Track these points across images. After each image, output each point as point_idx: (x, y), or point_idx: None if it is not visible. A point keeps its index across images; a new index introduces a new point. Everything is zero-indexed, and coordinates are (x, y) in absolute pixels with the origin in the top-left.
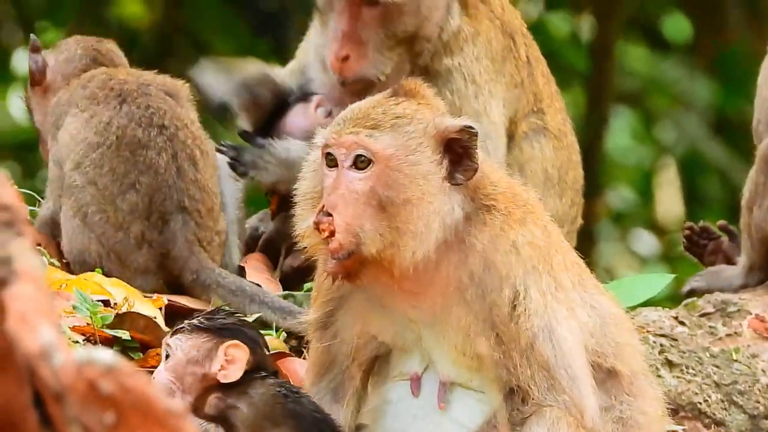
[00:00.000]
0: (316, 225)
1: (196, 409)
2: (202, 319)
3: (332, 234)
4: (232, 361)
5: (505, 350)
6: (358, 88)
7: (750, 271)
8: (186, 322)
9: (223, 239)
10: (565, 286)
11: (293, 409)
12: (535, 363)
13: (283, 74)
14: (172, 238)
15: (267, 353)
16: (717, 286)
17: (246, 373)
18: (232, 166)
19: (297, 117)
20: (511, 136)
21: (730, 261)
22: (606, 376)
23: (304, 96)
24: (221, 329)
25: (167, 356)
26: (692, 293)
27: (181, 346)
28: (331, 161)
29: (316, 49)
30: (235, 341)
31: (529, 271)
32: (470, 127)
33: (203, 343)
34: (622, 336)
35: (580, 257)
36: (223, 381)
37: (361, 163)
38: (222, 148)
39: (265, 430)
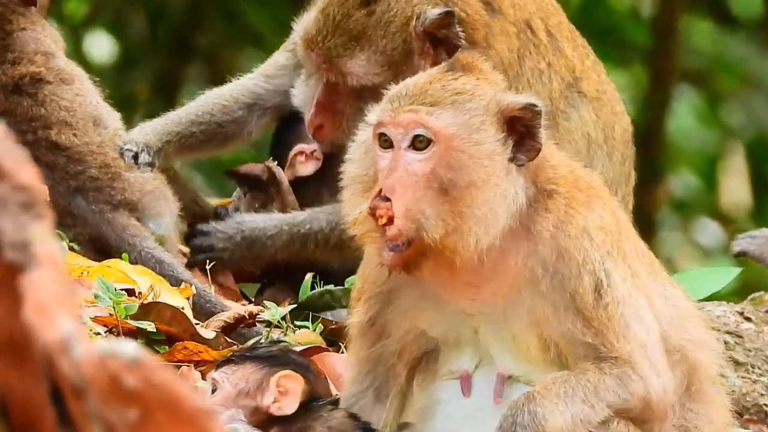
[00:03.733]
0: (372, 211)
1: None
2: (246, 351)
3: (390, 220)
4: (285, 392)
5: (596, 331)
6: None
7: None
8: (230, 354)
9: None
10: (640, 275)
11: None
12: (634, 341)
13: (268, 74)
14: (85, 222)
15: (321, 378)
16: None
17: (303, 403)
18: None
19: None
20: (550, 121)
21: None
22: (680, 374)
23: None
24: (270, 357)
25: (213, 391)
26: (743, 255)
27: (228, 378)
28: (384, 142)
29: (301, 88)
30: (287, 371)
31: (606, 257)
32: (534, 105)
33: (252, 373)
34: (699, 333)
35: None
36: (277, 414)
37: (419, 143)
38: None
39: None
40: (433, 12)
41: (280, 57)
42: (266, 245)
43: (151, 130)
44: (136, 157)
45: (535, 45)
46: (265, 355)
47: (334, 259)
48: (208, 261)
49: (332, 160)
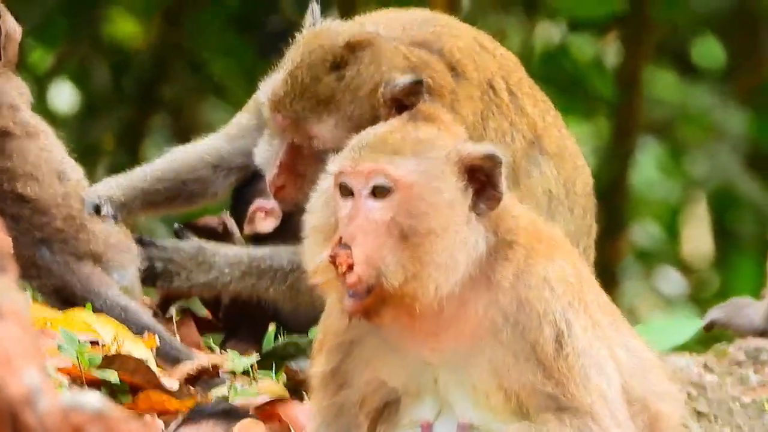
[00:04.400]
0: (333, 258)
1: None
2: (199, 410)
3: (350, 267)
4: None
5: (557, 382)
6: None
7: None
8: (186, 414)
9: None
10: (601, 325)
11: None
12: (595, 392)
13: (232, 134)
14: (50, 273)
15: None
16: (736, 323)
17: None
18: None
19: None
20: (512, 179)
21: None
22: (642, 425)
23: None
24: (227, 412)
25: None
26: (712, 326)
27: None
28: (345, 191)
29: (263, 148)
30: (250, 418)
31: (567, 307)
32: (494, 155)
33: (213, 427)
34: (661, 384)
35: None
36: None
37: (379, 192)
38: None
39: None
40: (403, 80)
41: (242, 118)
42: (223, 272)
43: (116, 184)
44: (98, 208)
45: (497, 105)
46: (219, 411)
47: (286, 300)
48: (175, 309)
49: (291, 216)
